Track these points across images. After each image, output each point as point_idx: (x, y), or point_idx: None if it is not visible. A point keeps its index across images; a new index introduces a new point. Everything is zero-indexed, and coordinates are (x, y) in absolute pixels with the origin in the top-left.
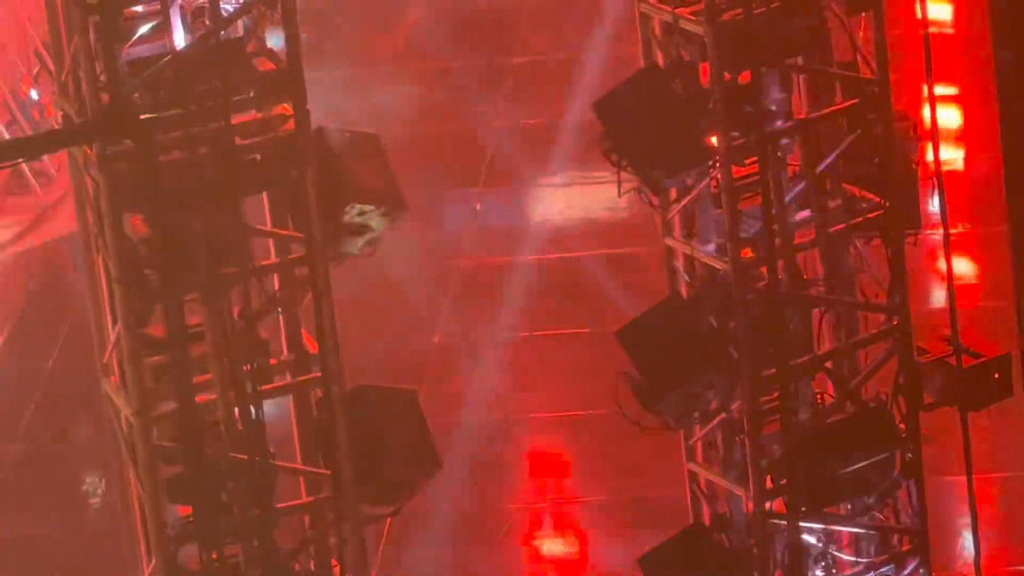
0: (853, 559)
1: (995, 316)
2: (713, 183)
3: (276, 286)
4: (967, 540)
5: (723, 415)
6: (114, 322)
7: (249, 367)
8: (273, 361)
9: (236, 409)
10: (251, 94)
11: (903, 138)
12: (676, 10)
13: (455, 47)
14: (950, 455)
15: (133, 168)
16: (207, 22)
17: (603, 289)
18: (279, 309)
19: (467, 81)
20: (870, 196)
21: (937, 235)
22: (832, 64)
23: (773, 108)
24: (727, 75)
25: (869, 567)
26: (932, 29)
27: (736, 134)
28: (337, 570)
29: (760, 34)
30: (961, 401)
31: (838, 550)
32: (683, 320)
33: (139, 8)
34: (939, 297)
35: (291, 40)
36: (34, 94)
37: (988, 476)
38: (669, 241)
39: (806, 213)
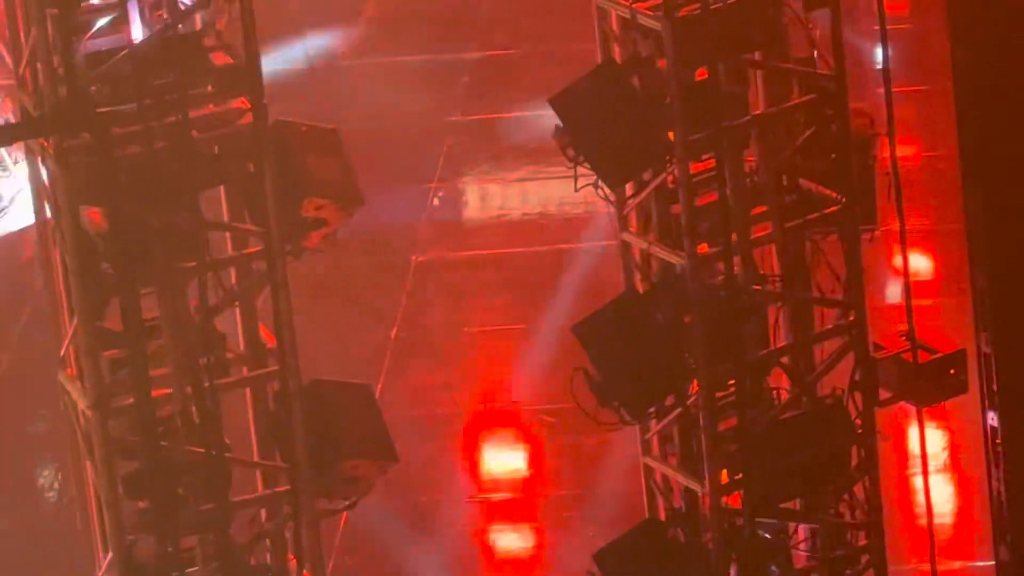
0: (808, 554)
1: (951, 312)
2: (670, 178)
3: (233, 280)
4: (922, 535)
5: (679, 410)
6: (71, 315)
7: (205, 361)
8: (230, 355)
9: (193, 403)
10: (208, 88)
11: (860, 134)
12: (633, 5)
13: (412, 42)
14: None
15: (90, 161)
16: (165, 16)
17: (559, 284)
18: (236, 303)
19: (424, 76)
20: (827, 192)
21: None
22: (789, 60)
23: (730, 104)
24: (684, 70)
25: (824, 562)
26: (889, 26)
27: (693, 130)
28: (293, 563)
29: (717, 30)
30: (917, 397)
31: (794, 545)
32: (639, 315)
33: (97, 1)
34: (895, 293)
35: (248, 34)
36: None
37: (943, 472)
38: (626, 236)
39: (763, 209)
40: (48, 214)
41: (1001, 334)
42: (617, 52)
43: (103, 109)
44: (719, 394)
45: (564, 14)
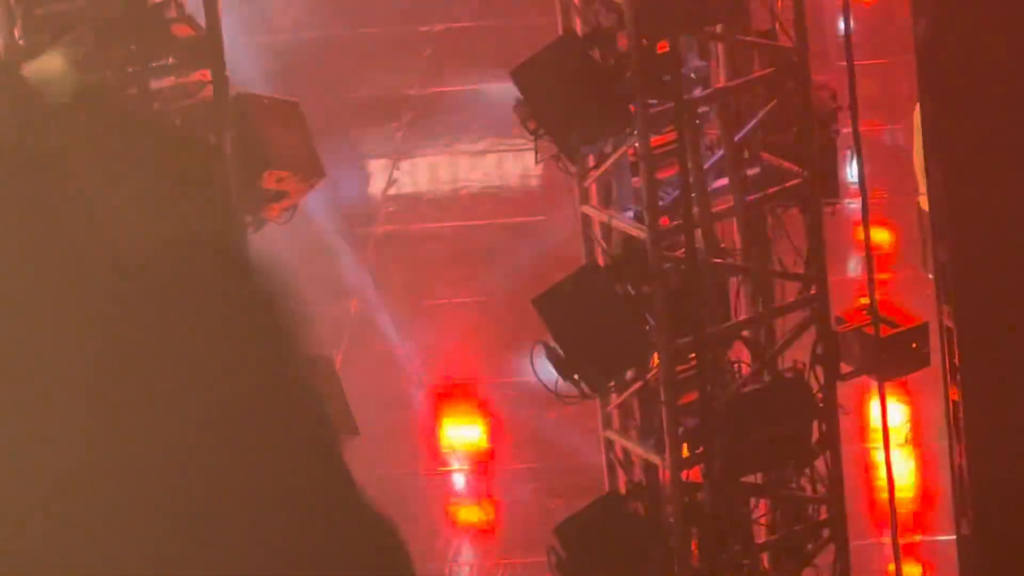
0: (769, 529)
1: (913, 286)
2: (631, 151)
3: None
4: (883, 510)
5: (640, 383)
6: None
7: None
8: None
9: None
10: (170, 60)
11: (822, 108)
12: None
13: (373, 14)
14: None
15: None
16: None
17: (519, 257)
18: None
19: (385, 48)
20: (789, 165)
21: (855, 204)
22: (751, 33)
23: (692, 76)
24: (645, 43)
25: (785, 537)
26: None
27: (654, 102)
28: None
29: (679, 2)
30: (879, 371)
31: (754, 520)
32: (600, 288)
33: None
34: (857, 266)
35: (210, 6)
36: None
37: (904, 446)
38: (586, 209)
39: (724, 182)
40: None
41: (963, 308)
42: (578, 24)
43: None
44: (680, 368)
45: None
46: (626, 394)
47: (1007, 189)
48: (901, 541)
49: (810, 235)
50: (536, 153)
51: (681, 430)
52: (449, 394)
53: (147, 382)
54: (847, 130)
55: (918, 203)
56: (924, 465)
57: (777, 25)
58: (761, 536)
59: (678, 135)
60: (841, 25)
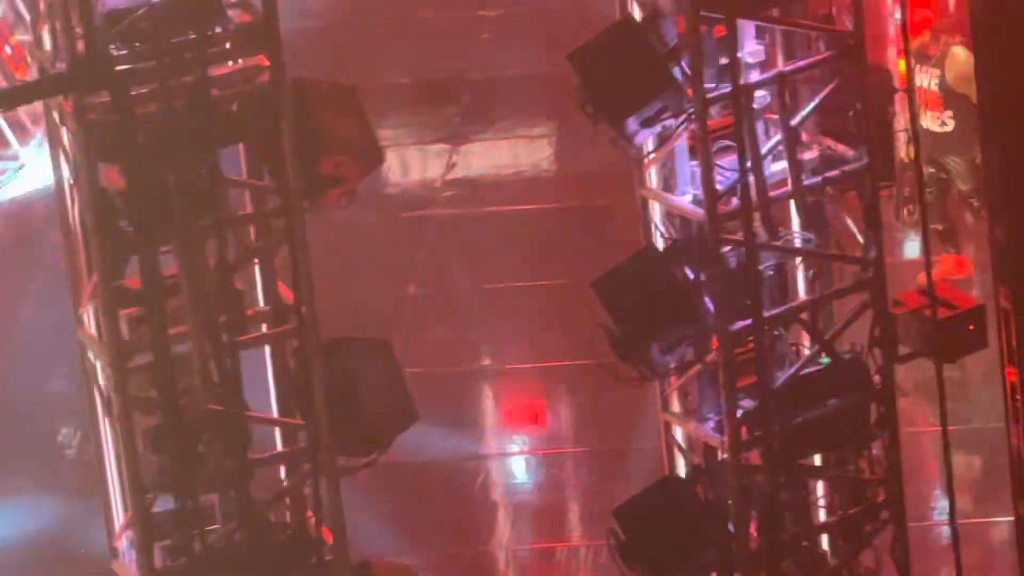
0: (827, 511)
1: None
2: (688, 135)
3: (252, 237)
4: (941, 491)
5: (699, 366)
6: (89, 274)
7: (225, 318)
8: (249, 312)
9: (212, 360)
10: (227, 46)
11: (878, 91)
12: None
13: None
14: (924, 407)
15: (108, 120)
16: None
17: (579, 240)
18: (255, 261)
19: (442, 33)
20: (845, 149)
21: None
22: (808, 16)
23: (749, 60)
24: (703, 27)
25: (843, 519)
26: None
27: (712, 86)
28: (313, 521)
29: None
30: (936, 352)
31: (812, 502)
32: (659, 271)
33: None
34: (914, 248)
35: None
36: (8, 46)
37: (961, 427)
38: (644, 192)
39: (782, 165)
40: (66, 173)
41: (1020, 289)
42: (636, 9)
43: (121, 67)
44: (738, 351)
45: None
46: (685, 377)
47: None
48: (959, 523)
49: (867, 218)
50: (594, 137)
51: (740, 412)
52: (508, 378)
53: None
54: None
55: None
56: (980, 446)
57: (834, 9)
58: (819, 518)
59: (735, 119)
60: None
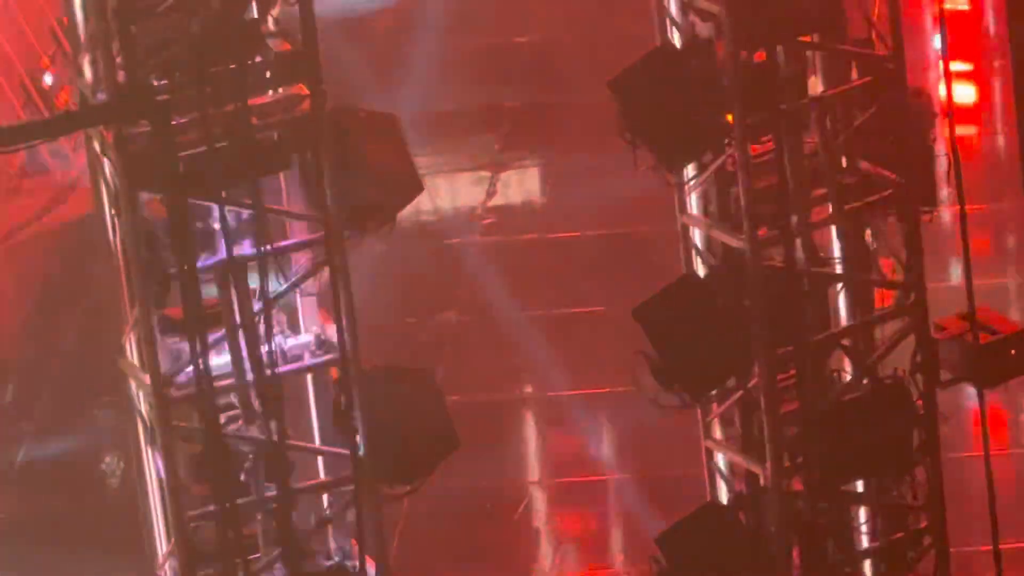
0: (870, 536)
1: (1012, 292)
2: (729, 161)
3: (294, 266)
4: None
5: (740, 393)
6: (132, 303)
7: (266, 347)
8: (291, 341)
9: (254, 390)
10: (267, 75)
11: (918, 115)
12: None
13: (467, 27)
14: (966, 432)
15: (149, 149)
16: (222, 3)
17: (619, 268)
18: (297, 289)
19: (480, 60)
20: (886, 173)
21: (953, 212)
22: (847, 41)
23: (788, 86)
24: (742, 53)
25: (886, 544)
26: (947, 5)
27: (752, 112)
28: (356, 549)
29: (775, 12)
30: (978, 378)
31: (855, 528)
32: (700, 298)
33: None
34: (955, 274)
35: (306, 20)
36: (49, 76)
37: (1003, 452)
38: (685, 219)
39: (822, 191)
40: (108, 202)
41: None
42: (675, 35)
43: (162, 97)
44: (780, 376)
45: None
46: (727, 404)
47: None
48: (1002, 547)
49: (908, 243)
50: (635, 164)
51: (782, 439)
52: (551, 404)
53: None
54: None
55: None
56: (1022, 470)
57: (873, 33)
58: (862, 544)
59: (776, 144)
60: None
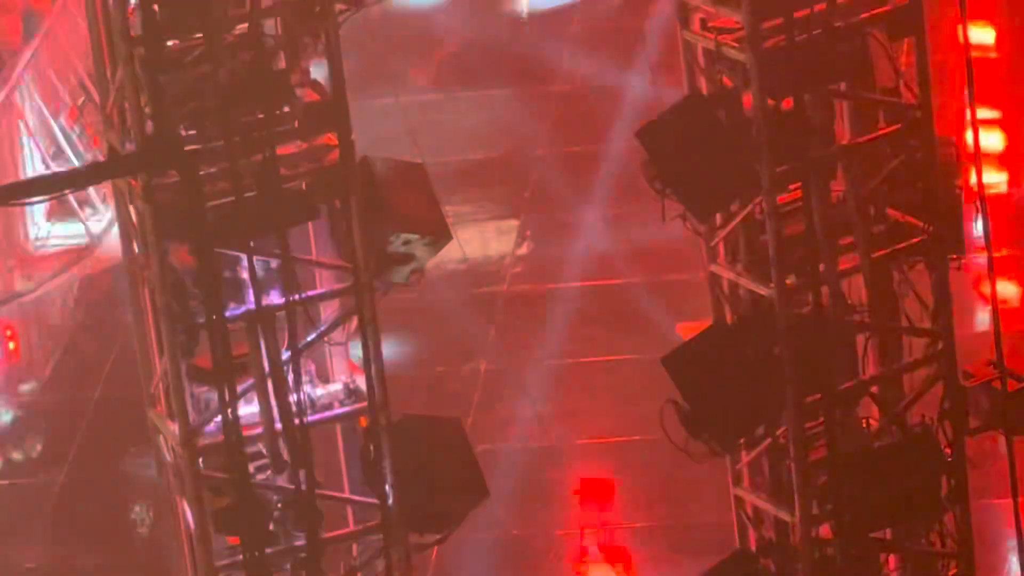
0: None
1: None
2: (757, 209)
3: (322, 315)
4: (1014, 564)
5: (769, 440)
6: (160, 352)
7: (295, 397)
8: (320, 390)
9: (283, 439)
10: (295, 124)
11: (946, 163)
12: (719, 37)
13: (497, 75)
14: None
15: (178, 199)
16: (250, 54)
17: (648, 316)
18: (325, 339)
19: (510, 109)
20: (914, 221)
21: (981, 259)
22: (875, 90)
23: (816, 134)
24: (770, 102)
25: None
26: (975, 54)
27: (780, 161)
28: None
29: (803, 61)
30: (1007, 425)
31: (884, 575)
32: (729, 347)
33: (183, 40)
34: (984, 321)
35: (335, 70)
36: (78, 126)
37: None
38: (714, 268)
39: (850, 239)
40: (136, 251)
41: None
42: (703, 84)
43: (190, 147)
44: (809, 424)
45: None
46: (756, 451)
47: None
48: None
49: (936, 290)
50: (663, 213)
51: (811, 487)
52: (579, 453)
53: None
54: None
55: None
56: None
57: (901, 81)
58: None
59: (804, 193)
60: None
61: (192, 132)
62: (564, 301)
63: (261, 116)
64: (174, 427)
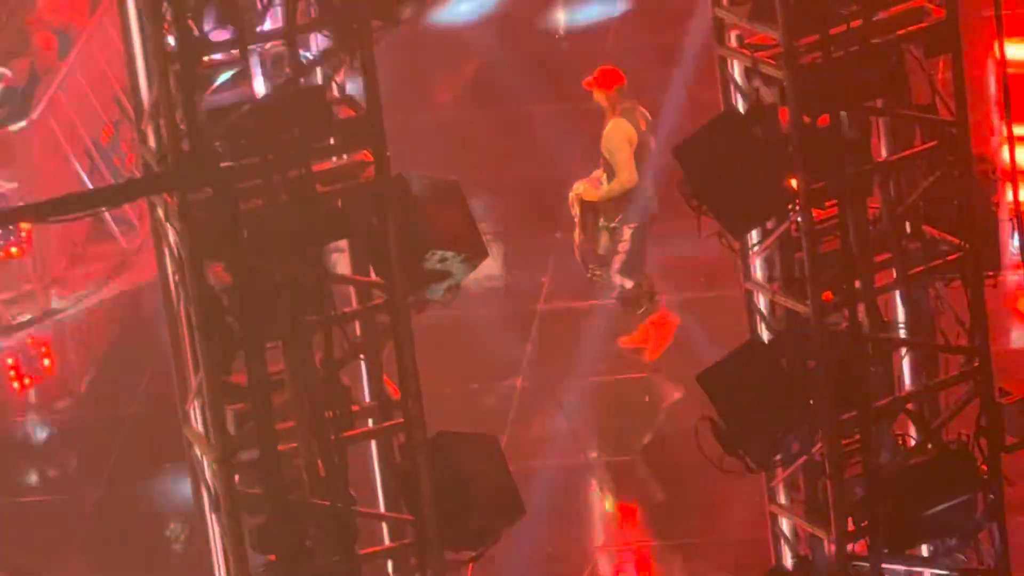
0: None
1: None
2: (793, 226)
3: (358, 332)
4: None
5: (805, 457)
6: (196, 369)
7: (331, 414)
8: (355, 407)
9: (319, 456)
10: (331, 141)
11: (982, 180)
12: (755, 54)
13: (533, 92)
14: None
15: (213, 216)
16: (287, 70)
17: (683, 332)
18: (361, 356)
19: (546, 125)
20: (950, 238)
21: (1017, 276)
22: (911, 106)
23: (853, 151)
24: (806, 118)
25: None
26: (1011, 70)
27: (816, 178)
28: None
29: (839, 77)
30: None
31: None
32: (764, 363)
33: (219, 56)
34: (1020, 338)
35: (370, 87)
36: (113, 143)
37: None
38: (749, 284)
39: (886, 256)
40: (171, 269)
41: None
42: (739, 101)
43: (226, 164)
44: (845, 441)
45: (685, 63)
46: (791, 468)
47: None
48: None
49: (972, 308)
50: (699, 229)
51: (846, 503)
52: (614, 469)
53: None
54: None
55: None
56: None
57: (937, 98)
58: None
59: (840, 210)
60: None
61: (228, 148)
62: (600, 317)
63: (297, 132)
64: (210, 444)
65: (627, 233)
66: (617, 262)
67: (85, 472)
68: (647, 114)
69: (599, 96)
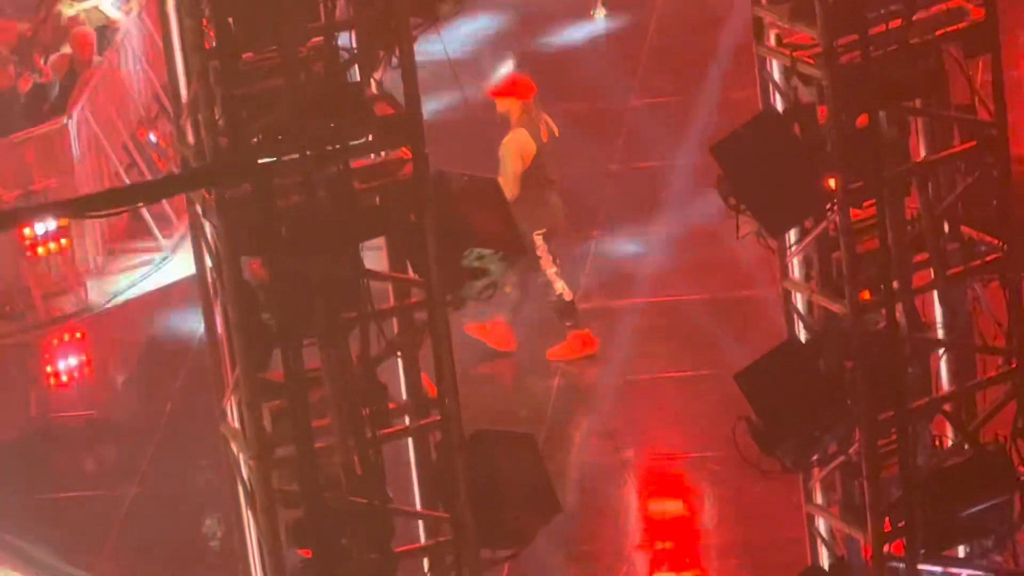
0: None
1: None
2: (831, 226)
3: (395, 330)
4: None
5: (842, 458)
6: (232, 366)
7: (368, 411)
8: (392, 405)
9: (355, 453)
10: (369, 138)
11: (1021, 181)
12: (794, 53)
13: (569, 89)
14: None
15: (251, 213)
16: (325, 66)
17: (721, 332)
18: (398, 353)
19: (582, 124)
20: (988, 239)
21: None
22: (950, 107)
23: (891, 151)
24: (845, 118)
25: None
26: None
27: (854, 177)
28: None
29: (878, 77)
30: None
31: None
32: (801, 363)
33: (257, 52)
34: None
35: (409, 84)
36: (152, 138)
37: None
38: (787, 284)
39: (924, 256)
40: (209, 265)
41: None
42: (778, 100)
43: (264, 160)
44: (881, 442)
45: (725, 61)
46: (828, 469)
47: None
48: None
49: (1010, 309)
50: (738, 229)
51: (883, 504)
52: (652, 469)
53: None
54: None
55: None
56: None
57: (976, 98)
58: None
59: (878, 210)
60: None
61: (266, 145)
62: (637, 316)
63: (335, 129)
64: (246, 441)
65: (538, 240)
66: (545, 265)
67: (122, 468)
68: (552, 125)
69: (509, 104)
